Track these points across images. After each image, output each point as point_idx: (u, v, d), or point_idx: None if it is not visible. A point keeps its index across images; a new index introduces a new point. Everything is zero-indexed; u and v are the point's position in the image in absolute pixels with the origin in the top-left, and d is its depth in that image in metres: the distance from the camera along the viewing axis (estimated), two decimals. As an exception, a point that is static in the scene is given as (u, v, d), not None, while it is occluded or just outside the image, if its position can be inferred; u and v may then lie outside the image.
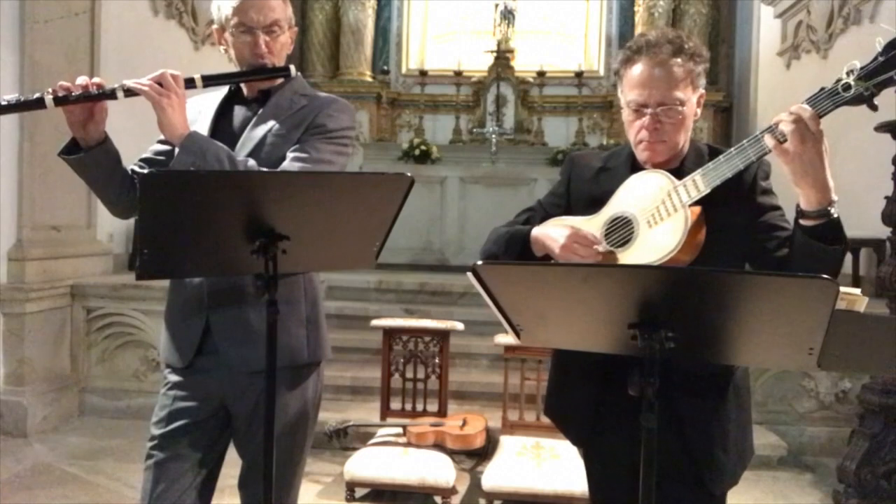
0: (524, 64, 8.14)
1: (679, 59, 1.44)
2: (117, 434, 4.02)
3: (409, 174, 1.30)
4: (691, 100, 1.47)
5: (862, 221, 3.75)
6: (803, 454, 3.88)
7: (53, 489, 3.28)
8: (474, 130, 7.81)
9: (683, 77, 1.45)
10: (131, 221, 2.32)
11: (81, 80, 1.54)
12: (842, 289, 1.01)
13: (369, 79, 8.32)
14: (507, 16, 7.91)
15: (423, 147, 7.21)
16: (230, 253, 1.37)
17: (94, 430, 4.09)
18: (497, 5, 7.96)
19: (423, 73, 8.26)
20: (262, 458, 1.38)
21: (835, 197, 1.30)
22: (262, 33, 1.65)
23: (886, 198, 2.73)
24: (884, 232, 2.93)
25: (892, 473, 2.68)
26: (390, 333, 3.38)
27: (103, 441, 3.91)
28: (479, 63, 8.05)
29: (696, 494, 1.49)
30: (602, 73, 8.44)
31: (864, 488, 2.69)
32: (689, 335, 1.11)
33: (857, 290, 1.23)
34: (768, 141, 1.30)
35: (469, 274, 1.14)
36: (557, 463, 2.86)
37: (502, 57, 7.85)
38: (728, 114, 7.91)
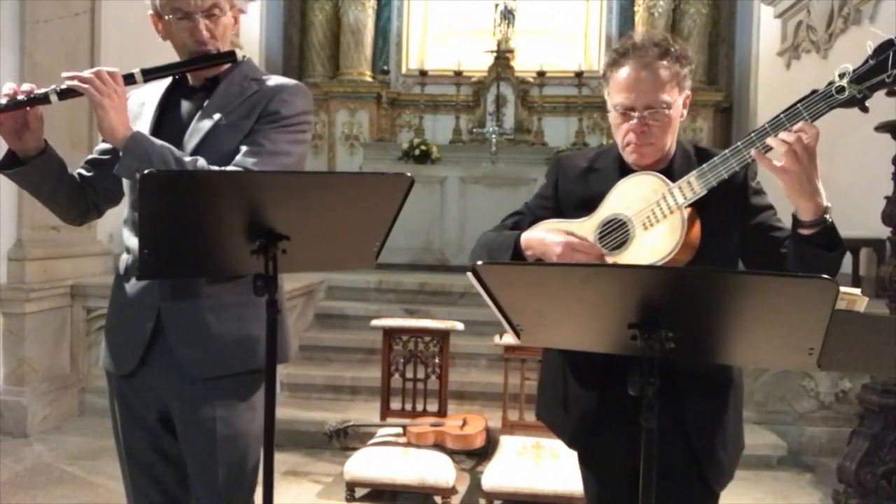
0: (524, 64, 8.13)
1: (665, 62, 1.45)
2: (117, 434, 4.02)
3: (409, 174, 1.29)
4: (677, 102, 1.48)
5: (862, 221, 3.74)
6: (803, 454, 3.88)
7: (53, 489, 3.28)
8: (474, 130, 7.80)
9: (670, 79, 1.45)
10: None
11: (8, 87, 1.45)
12: (842, 289, 1.01)
13: (369, 79, 8.31)
14: (507, 16, 7.90)
15: (423, 147, 7.20)
16: (230, 253, 1.36)
17: (94, 430, 4.07)
18: (497, 5, 7.95)
19: (423, 73, 8.25)
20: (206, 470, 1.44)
21: (827, 203, 1.32)
22: (201, 17, 1.52)
23: (886, 198, 2.72)
24: (884, 232, 2.93)
25: (892, 473, 2.67)
26: (390, 333, 3.38)
27: (103, 441, 3.90)
28: (479, 63, 8.04)
29: (697, 493, 1.51)
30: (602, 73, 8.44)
31: (864, 488, 2.68)
32: (689, 335, 1.11)
33: (857, 290, 1.23)
34: (754, 152, 1.32)
35: (469, 274, 1.14)
36: (557, 463, 2.86)
37: (502, 57, 7.84)
38: (728, 114, 7.91)
